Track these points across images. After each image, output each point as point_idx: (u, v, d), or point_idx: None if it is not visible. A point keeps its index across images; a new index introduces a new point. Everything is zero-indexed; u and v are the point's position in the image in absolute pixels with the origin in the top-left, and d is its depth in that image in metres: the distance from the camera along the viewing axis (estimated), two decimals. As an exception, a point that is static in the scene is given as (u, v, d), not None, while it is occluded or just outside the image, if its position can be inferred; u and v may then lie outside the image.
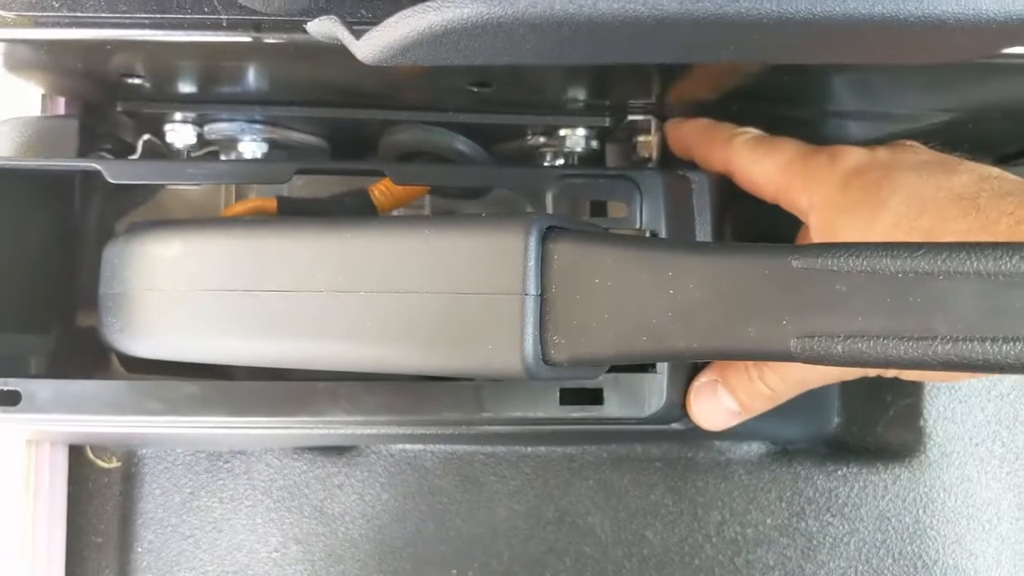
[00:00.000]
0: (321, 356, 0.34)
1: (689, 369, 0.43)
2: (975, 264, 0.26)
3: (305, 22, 0.34)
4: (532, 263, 0.30)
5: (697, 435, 0.47)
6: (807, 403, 0.54)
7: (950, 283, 0.26)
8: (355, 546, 0.58)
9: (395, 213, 0.54)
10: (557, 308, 0.30)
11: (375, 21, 0.36)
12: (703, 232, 0.45)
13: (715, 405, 0.44)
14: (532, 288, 0.30)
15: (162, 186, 0.53)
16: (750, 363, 0.42)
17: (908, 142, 0.43)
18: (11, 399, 0.41)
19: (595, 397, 0.42)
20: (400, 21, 0.25)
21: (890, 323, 0.26)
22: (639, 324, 0.29)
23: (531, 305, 0.30)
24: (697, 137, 0.47)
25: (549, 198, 0.42)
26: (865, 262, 0.27)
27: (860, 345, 0.27)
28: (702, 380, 0.44)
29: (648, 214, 0.42)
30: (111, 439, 0.50)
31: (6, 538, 0.57)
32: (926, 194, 0.38)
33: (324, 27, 0.28)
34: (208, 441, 0.53)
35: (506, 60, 0.27)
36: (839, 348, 0.27)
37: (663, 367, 0.42)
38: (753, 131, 0.46)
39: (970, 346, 0.26)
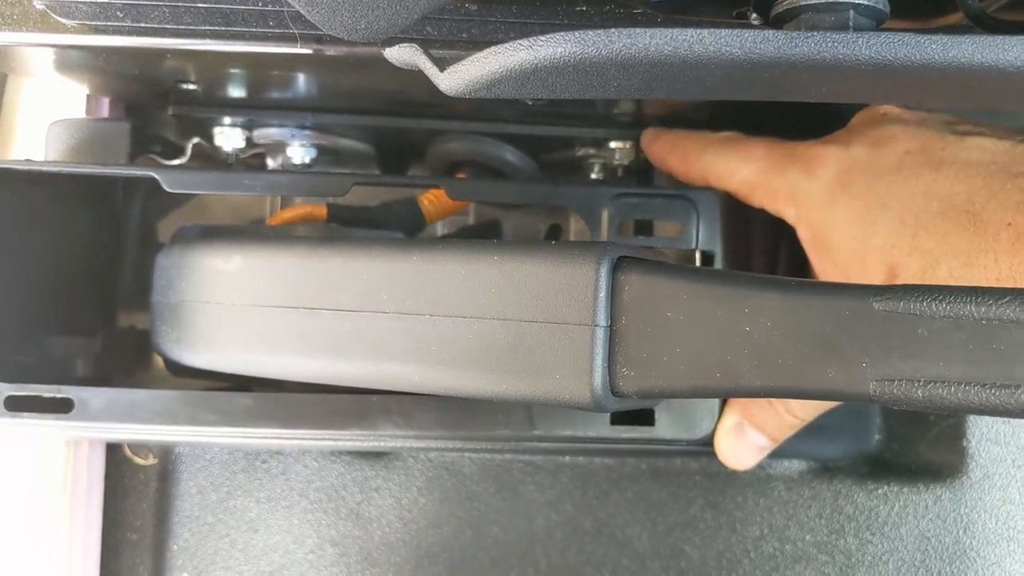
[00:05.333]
0: (384, 377, 0.34)
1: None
2: (1063, 314, 0.25)
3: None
4: (603, 294, 0.30)
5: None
6: (848, 422, 0.54)
7: (1036, 332, 0.26)
8: (391, 550, 0.58)
9: (441, 222, 0.53)
10: (627, 340, 0.30)
11: (442, 39, 0.36)
12: (759, 253, 0.44)
13: (745, 445, 0.44)
14: (602, 319, 0.30)
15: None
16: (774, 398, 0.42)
17: (881, 109, 0.41)
18: (64, 407, 0.41)
19: (646, 418, 0.42)
20: (490, 57, 0.24)
21: (973, 370, 0.26)
22: (712, 360, 0.29)
23: (601, 336, 0.30)
24: (671, 151, 0.46)
25: (604, 216, 0.42)
26: (949, 307, 0.26)
27: (941, 391, 0.26)
28: (727, 425, 0.44)
29: (704, 234, 0.42)
30: (158, 444, 0.50)
31: (43, 535, 0.58)
32: (917, 205, 0.37)
33: (404, 55, 0.27)
34: (252, 445, 0.53)
35: (591, 95, 0.26)
36: (919, 393, 0.27)
37: (716, 389, 0.42)
38: (723, 135, 0.44)
39: (1055, 397, 0.25)
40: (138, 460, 0.61)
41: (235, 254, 0.37)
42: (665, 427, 0.42)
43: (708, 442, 0.43)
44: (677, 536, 0.56)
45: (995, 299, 0.26)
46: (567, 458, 0.57)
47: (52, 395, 0.41)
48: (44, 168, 0.42)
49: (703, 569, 0.55)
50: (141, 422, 0.40)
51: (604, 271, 0.30)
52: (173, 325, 0.40)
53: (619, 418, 0.42)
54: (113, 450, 0.61)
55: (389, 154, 0.54)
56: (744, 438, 0.43)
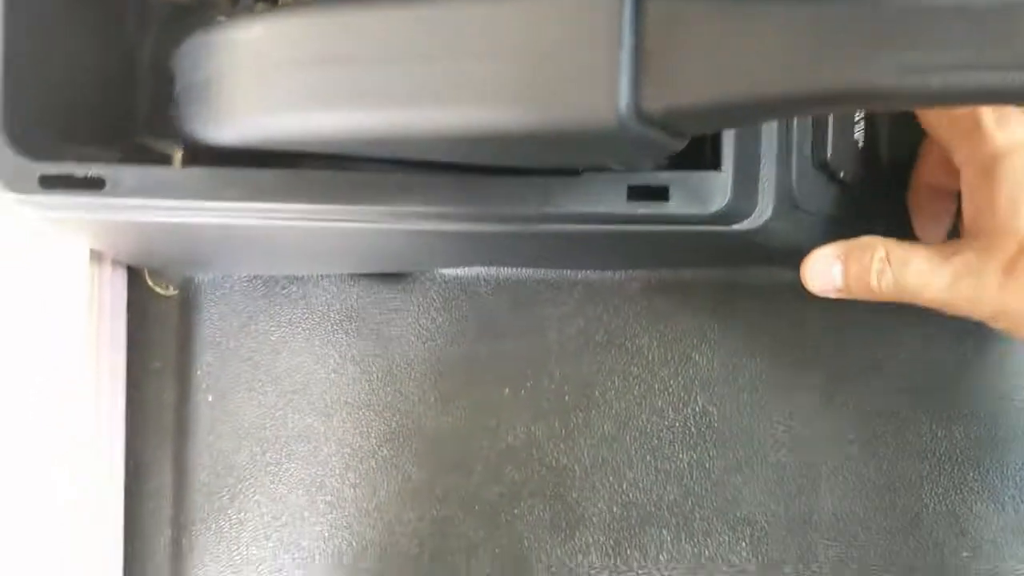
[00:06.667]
0: (409, 122, 0.35)
1: (753, 168, 0.44)
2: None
3: None
4: (628, 13, 0.31)
5: (755, 242, 0.48)
6: (849, 223, 0.56)
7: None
8: (411, 366, 0.60)
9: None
10: (651, 60, 0.31)
11: None
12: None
13: (826, 276, 0.47)
14: (627, 39, 0.31)
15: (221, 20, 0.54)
16: (877, 257, 0.45)
17: None
18: (96, 184, 0.42)
19: (660, 194, 0.43)
20: None
21: (983, 55, 0.27)
22: (736, 72, 0.30)
23: (626, 56, 0.31)
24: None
25: None
26: (960, -1, 0.28)
27: (955, 78, 0.28)
28: (826, 251, 0.47)
29: None
30: (184, 236, 0.51)
31: (70, 356, 0.59)
32: None
33: None
34: (275, 247, 0.54)
35: None
36: (934, 81, 0.28)
37: (728, 166, 0.43)
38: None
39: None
40: (159, 290, 0.63)
41: (255, 24, 0.38)
42: (679, 203, 0.43)
43: (719, 219, 0.44)
44: (686, 344, 0.58)
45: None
46: (579, 274, 0.59)
47: (84, 173, 0.42)
48: None
49: (710, 373, 0.57)
50: (171, 197, 0.42)
51: (628, -10, 0.31)
52: (202, 104, 0.41)
53: (634, 194, 0.43)
54: (134, 282, 0.63)
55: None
56: (827, 269, 0.47)
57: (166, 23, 0.55)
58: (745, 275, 0.57)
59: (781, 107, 0.31)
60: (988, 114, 0.44)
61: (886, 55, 0.28)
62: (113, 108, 0.53)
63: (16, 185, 0.42)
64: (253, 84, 0.38)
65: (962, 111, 0.44)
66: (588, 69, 0.31)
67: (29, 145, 0.42)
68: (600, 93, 0.31)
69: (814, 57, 0.29)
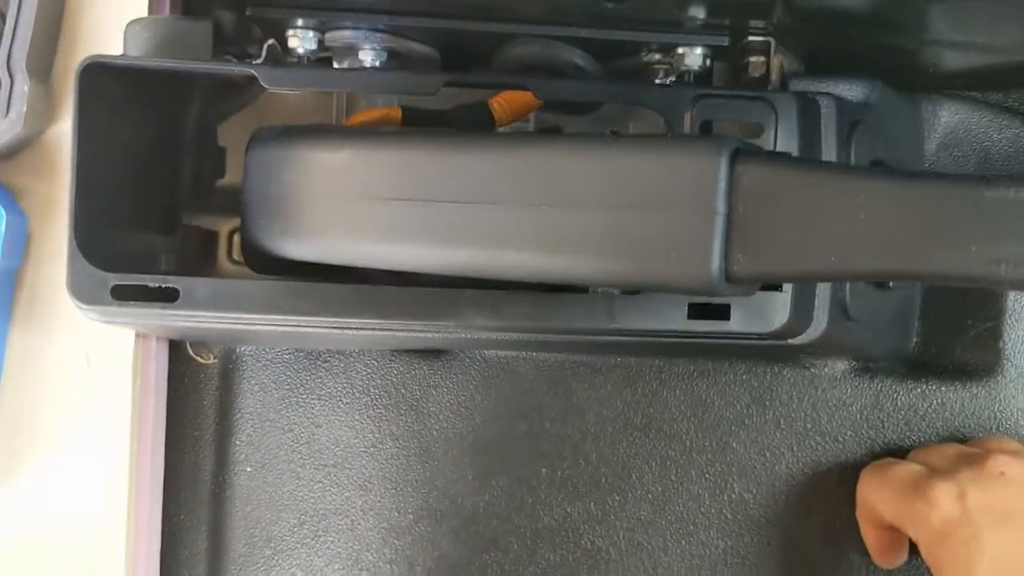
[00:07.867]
0: (500, 266, 0.36)
1: (811, 286, 0.45)
2: None
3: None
4: (723, 182, 0.32)
5: (809, 350, 0.49)
6: (890, 324, 0.57)
7: None
8: (449, 443, 0.60)
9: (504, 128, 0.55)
10: (743, 227, 0.32)
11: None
12: (829, 156, 0.46)
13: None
14: (721, 207, 0.32)
15: (267, 92, 0.54)
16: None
17: (1002, 457, 0.50)
18: (169, 296, 0.42)
19: (722, 312, 0.44)
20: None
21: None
22: (826, 245, 0.31)
23: (719, 223, 0.32)
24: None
25: (687, 118, 0.43)
26: (1056, 195, 0.29)
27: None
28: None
29: (782, 137, 0.43)
30: (246, 336, 0.51)
31: (112, 424, 0.59)
32: (1009, 554, 0.46)
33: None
34: (348, 337, 0.54)
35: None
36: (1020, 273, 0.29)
37: (788, 286, 0.44)
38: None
39: None
40: (200, 360, 0.63)
41: (344, 147, 0.39)
42: (739, 321, 0.44)
43: (779, 335, 0.45)
44: (724, 431, 0.59)
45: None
46: (618, 358, 0.59)
47: (158, 284, 0.42)
48: (146, 64, 0.43)
49: (748, 462, 0.58)
50: (243, 311, 0.42)
51: (724, 160, 0.32)
52: (277, 217, 0.41)
53: (696, 312, 0.44)
54: (175, 350, 0.63)
55: (453, 59, 0.55)
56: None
57: (210, 97, 0.55)
58: (785, 365, 0.58)
59: (860, 278, 0.32)
60: (920, 502, 0.48)
61: (978, 247, 0.29)
62: (160, 188, 0.53)
63: (88, 296, 0.42)
64: (338, 211, 0.38)
65: (902, 496, 0.50)
66: (684, 232, 0.32)
67: (100, 254, 0.43)
68: (694, 258, 0.32)
69: (906, 240, 0.30)
